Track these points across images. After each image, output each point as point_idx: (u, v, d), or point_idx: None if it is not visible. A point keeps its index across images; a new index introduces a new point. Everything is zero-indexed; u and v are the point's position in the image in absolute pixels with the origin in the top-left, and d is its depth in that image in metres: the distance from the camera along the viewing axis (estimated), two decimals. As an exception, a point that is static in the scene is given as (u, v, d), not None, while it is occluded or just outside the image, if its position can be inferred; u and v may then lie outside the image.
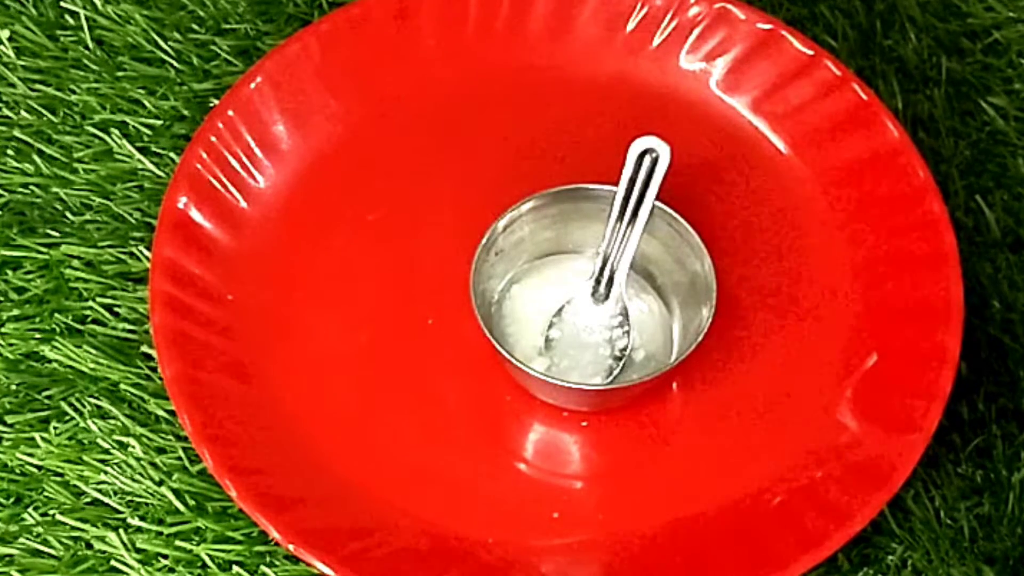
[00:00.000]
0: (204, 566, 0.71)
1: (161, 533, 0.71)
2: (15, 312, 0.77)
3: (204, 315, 0.74)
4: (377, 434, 0.73)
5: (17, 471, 0.74)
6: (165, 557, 0.71)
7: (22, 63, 0.84)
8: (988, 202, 0.81)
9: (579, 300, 0.75)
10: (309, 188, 0.79)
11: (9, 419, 0.74)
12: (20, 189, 0.81)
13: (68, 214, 0.80)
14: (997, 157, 0.82)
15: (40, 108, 0.83)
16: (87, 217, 0.80)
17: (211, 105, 0.82)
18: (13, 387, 0.75)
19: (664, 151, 0.72)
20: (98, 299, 0.77)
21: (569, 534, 0.71)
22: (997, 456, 0.74)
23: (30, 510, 0.73)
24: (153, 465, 0.73)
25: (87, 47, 0.85)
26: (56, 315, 0.77)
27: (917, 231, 0.76)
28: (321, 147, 0.80)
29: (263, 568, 0.71)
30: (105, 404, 0.74)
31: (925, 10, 0.86)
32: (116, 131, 0.82)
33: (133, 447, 0.73)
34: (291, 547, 0.67)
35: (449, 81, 0.82)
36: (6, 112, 0.83)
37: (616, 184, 0.73)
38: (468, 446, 0.73)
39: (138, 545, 0.71)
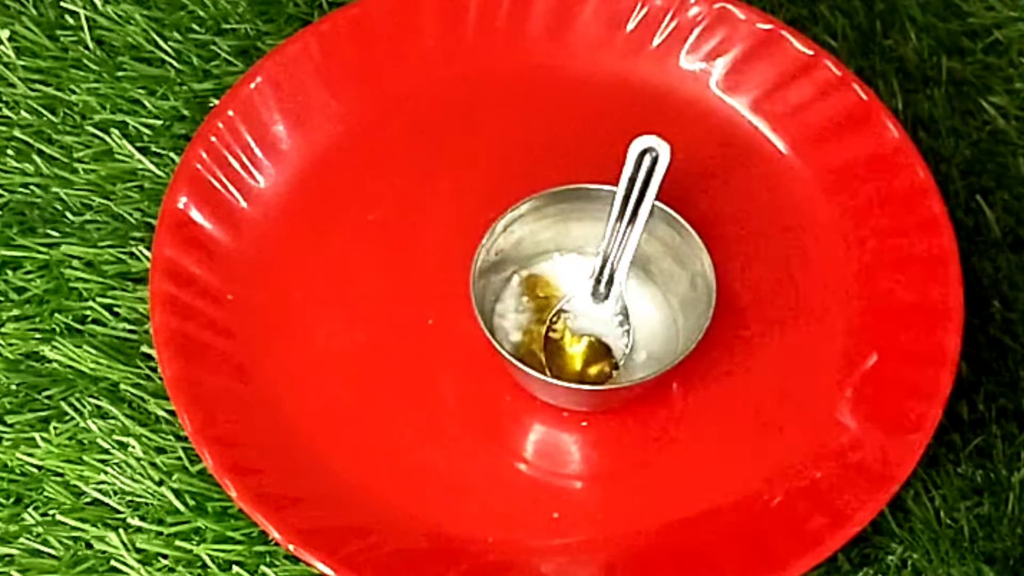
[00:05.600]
0: (204, 566, 0.71)
1: (161, 533, 0.71)
2: (15, 312, 0.77)
3: (204, 315, 0.74)
4: (377, 434, 0.73)
5: (17, 471, 0.74)
6: (165, 557, 0.71)
7: (22, 63, 0.84)
8: (988, 202, 0.81)
9: (579, 300, 0.75)
10: (309, 188, 0.79)
11: (9, 419, 0.74)
12: (20, 189, 0.81)
13: (68, 214, 0.80)
14: (998, 157, 0.82)
15: (40, 108, 0.83)
16: (87, 217, 0.80)
17: (211, 105, 0.82)
18: (13, 387, 0.75)
19: (664, 150, 0.72)
20: (98, 299, 0.77)
21: (569, 534, 0.71)
22: (997, 456, 0.74)
23: (30, 510, 0.73)
24: (153, 465, 0.73)
25: (87, 47, 0.85)
26: (56, 315, 0.77)
27: (917, 231, 0.76)
28: (321, 147, 0.80)
29: (263, 568, 0.71)
30: (105, 404, 0.74)
31: (925, 10, 0.86)
32: (116, 131, 0.82)
33: (133, 447, 0.73)
34: (291, 547, 0.67)
35: (449, 81, 0.82)
36: (6, 112, 0.83)
37: (616, 184, 0.73)
38: (468, 446, 0.73)
39: (138, 545, 0.71)
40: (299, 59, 0.80)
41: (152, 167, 0.81)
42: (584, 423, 0.74)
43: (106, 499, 0.73)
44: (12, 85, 0.84)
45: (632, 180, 0.72)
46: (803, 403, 0.74)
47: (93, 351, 0.75)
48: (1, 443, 0.74)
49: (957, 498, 0.73)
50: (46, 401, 0.75)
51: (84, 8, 0.85)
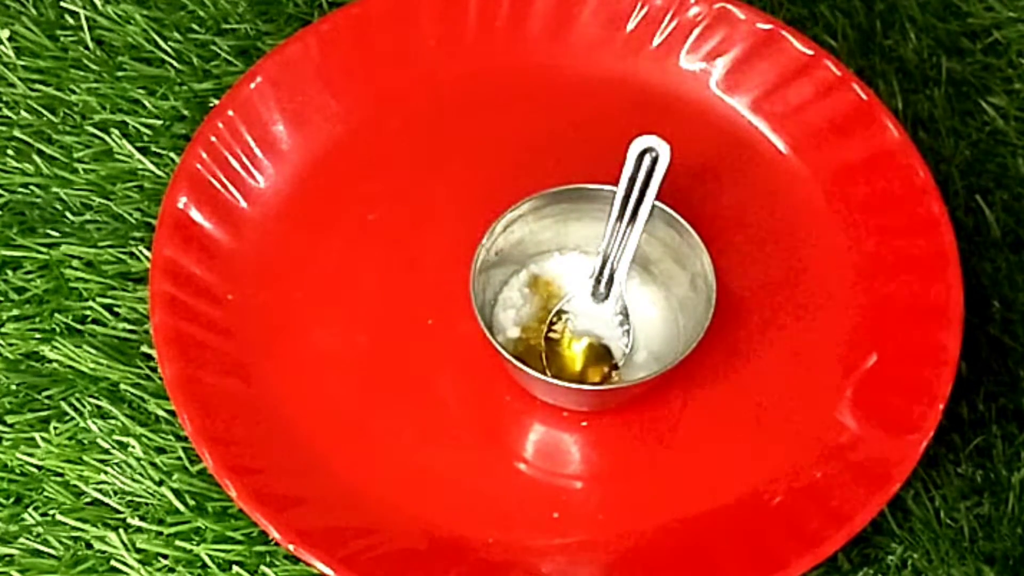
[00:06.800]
0: (204, 566, 0.71)
1: (161, 533, 0.71)
2: (15, 312, 0.77)
3: (204, 315, 0.74)
4: (377, 434, 0.73)
5: (17, 471, 0.74)
6: (165, 557, 0.71)
7: (22, 63, 0.84)
8: (988, 202, 0.81)
9: (579, 299, 0.75)
10: (309, 188, 0.79)
11: (9, 419, 0.74)
12: (20, 189, 0.81)
13: (68, 214, 0.80)
14: (997, 157, 0.82)
15: (40, 108, 0.83)
16: (87, 217, 0.80)
17: (211, 105, 0.82)
18: (13, 387, 0.75)
19: (664, 150, 0.72)
20: (98, 299, 0.77)
21: (569, 534, 0.71)
22: (997, 456, 0.74)
23: (30, 510, 0.73)
24: (153, 465, 0.73)
25: (87, 47, 0.85)
26: (56, 315, 0.77)
27: (917, 231, 0.76)
28: (321, 147, 0.80)
29: (263, 568, 0.71)
30: (105, 404, 0.74)
31: (925, 10, 0.86)
32: (116, 131, 0.82)
33: (133, 447, 0.73)
34: (291, 547, 0.67)
35: (449, 81, 0.82)
36: (6, 112, 0.83)
37: (616, 184, 0.73)
38: (468, 446, 0.73)
39: (138, 545, 0.71)
40: (299, 59, 0.80)
41: (152, 167, 0.81)
42: (584, 423, 0.74)
43: (106, 499, 0.73)
44: (12, 85, 0.84)
45: (632, 180, 0.72)
46: (803, 403, 0.74)
47: (93, 351, 0.75)
48: (1, 443, 0.74)
49: (957, 498, 0.73)
50: (46, 401, 0.75)
51: (84, 8, 0.85)
